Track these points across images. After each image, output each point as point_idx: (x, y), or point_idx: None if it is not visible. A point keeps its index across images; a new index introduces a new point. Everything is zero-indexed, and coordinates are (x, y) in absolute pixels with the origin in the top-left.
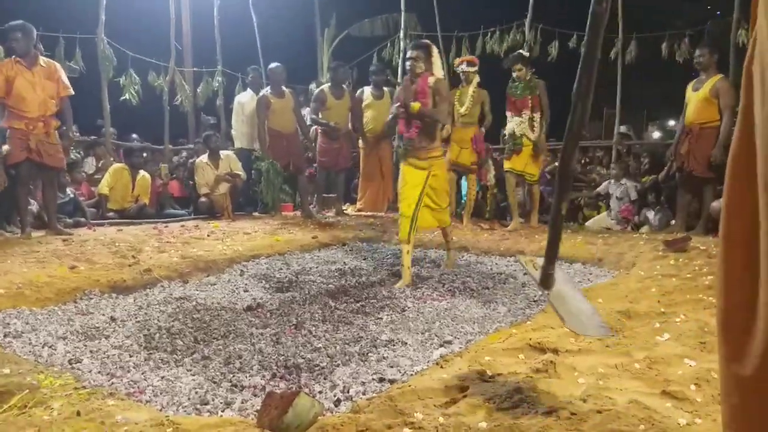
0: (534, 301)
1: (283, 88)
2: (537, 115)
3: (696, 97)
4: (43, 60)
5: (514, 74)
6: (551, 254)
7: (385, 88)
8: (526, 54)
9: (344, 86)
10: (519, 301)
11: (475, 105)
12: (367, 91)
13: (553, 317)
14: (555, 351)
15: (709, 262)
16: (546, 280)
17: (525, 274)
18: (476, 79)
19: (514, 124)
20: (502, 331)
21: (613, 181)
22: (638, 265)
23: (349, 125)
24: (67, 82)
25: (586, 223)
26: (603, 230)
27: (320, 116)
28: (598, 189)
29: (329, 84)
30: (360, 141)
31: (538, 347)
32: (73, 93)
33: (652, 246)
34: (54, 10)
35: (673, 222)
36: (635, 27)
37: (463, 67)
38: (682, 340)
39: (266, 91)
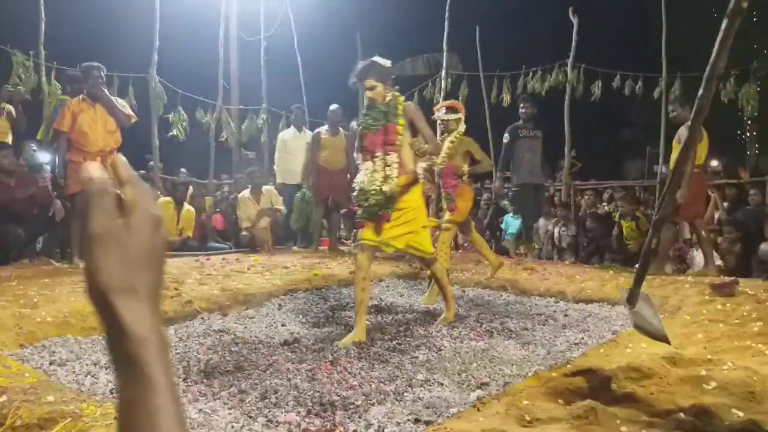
0: (575, 344)
1: (339, 128)
2: (394, 158)
3: (675, 146)
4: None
5: (368, 94)
6: (639, 278)
7: None
8: (385, 62)
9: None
10: (559, 343)
11: (456, 157)
12: None
13: (594, 360)
14: (596, 397)
15: (758, 307)
16: (631, 299)
17: None
18: (460, 127)
19: (364, 174)
20: (542, 374)
21: (666, 221)
22: (684, 309)
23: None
24: (130, 111)
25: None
26: (649, 273)
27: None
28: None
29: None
30: None
31: (578, 392)
32: (136, 118)
33: (699, 289)
34: (109, 51)
35: (719, 263)
36: (680, 66)
37: (441, 114)
38: (730, 389)
39: (322, 128)
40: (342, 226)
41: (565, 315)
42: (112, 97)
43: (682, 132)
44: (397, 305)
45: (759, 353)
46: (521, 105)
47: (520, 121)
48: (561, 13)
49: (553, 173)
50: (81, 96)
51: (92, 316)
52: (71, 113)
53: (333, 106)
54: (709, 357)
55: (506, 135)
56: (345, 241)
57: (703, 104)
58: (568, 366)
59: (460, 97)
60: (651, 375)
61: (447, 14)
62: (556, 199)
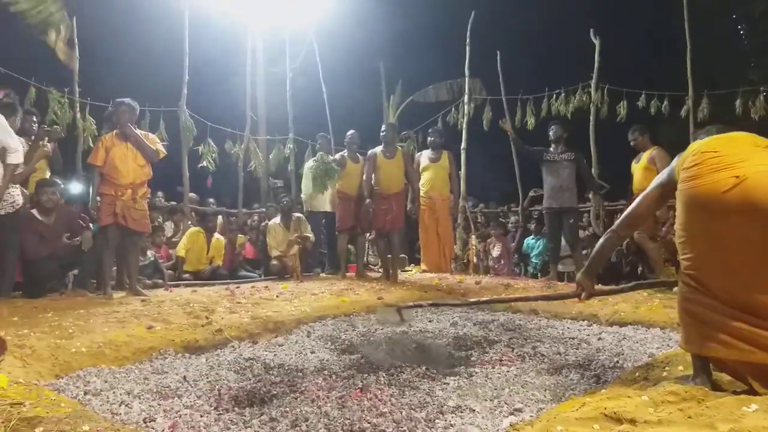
0: (609, 368)
1: (358, 154)
2: None
3: (638, 168)
4: (139, 132)
5: None
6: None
7: (444, 151)
8: None
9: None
10: (593, 367)
11: None
12: (425, 153)
13: (629, 384)
14: (632, 422)
15: None
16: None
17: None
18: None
19: None
20: (575, 400)
21: None
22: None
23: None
24: (160, 147)
25: (675, 288)
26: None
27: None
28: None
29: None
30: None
31: (614, 417)
32: (165, 153)
33: None
34: (141, 85)
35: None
36: (707, 84)
37: None
38: None
39: (344, 153)
40: (370, 251)
41: (599, 338)
42: (143, 132)
43: (657, 155)
44: (426, 331)
45: None
46: (551, 129)
47: (551, 145)
48: (582, 34)
49: (598, 191)
50: (114, 131)
51: (126, 345)
52: (104, 148)
53: (349, 133)
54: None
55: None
56: (372, 267)
57: None
58: (603, 390)
59: (483, 122)
60: (689, 398)
61: (468, 40)
62: (585, 220)
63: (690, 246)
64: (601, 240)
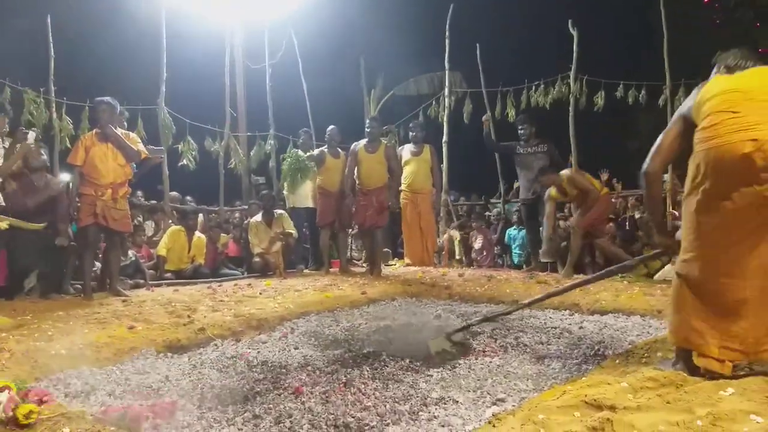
0: (591, 356)
1: (339, 149)
2: None
3: None
4: (120, 131)
5: None
6: None
7: (426, 145)
8: None
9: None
10: (574, 356)
11: None
12: (407, 147)
13: (610, 372)
14: (612, 408)
15: None
16: None
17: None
18: None
19: None
20: (557, 388)
21: None
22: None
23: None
24: (141, 147)
25: (656, 276)
26: (664, 281)
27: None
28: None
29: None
30: (401, 197)
31: (594, 404)
32: (147, 154)
33: None
34: (118, 83)
35: None
36: (684, 73)
37: None
38: (748, 395)
39: (324, 149)
40: (353, 246)
41: (580, 327)
42: (123, 132)
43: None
44: (410, 324)
45: None
46: (518, 126)
47: (521, 140)
48: (560, 26)
49: None
50: (94, 130)
51: (107, 347)
52: (84, 147)
53: (330, 127)
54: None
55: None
56: (356, 261)
57: None
58: (584, 378)
59: (464, 114)
60: (667, 384)
61: (447, 33)
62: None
63: (695, 226)
64: (645, 190)
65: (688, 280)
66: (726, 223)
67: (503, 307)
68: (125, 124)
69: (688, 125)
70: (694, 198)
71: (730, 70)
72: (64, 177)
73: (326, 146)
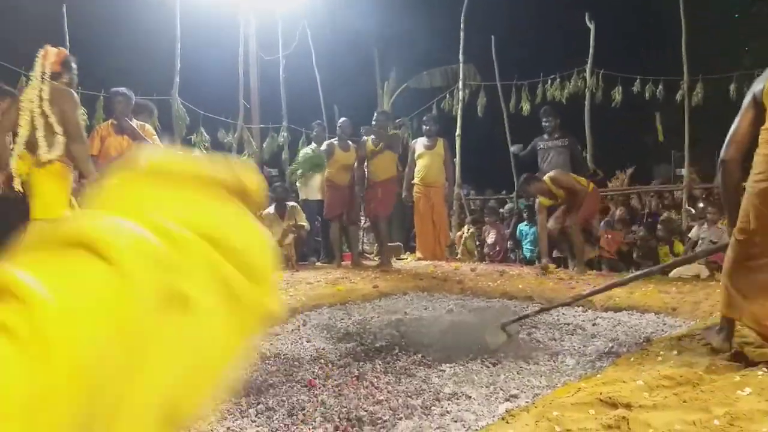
0: (605, 353)
1: (349, 142)
2: None
3: None
4: (136, 123)
5: None
6: None
7: (439, 138)
8: None
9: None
10: (588, 353)
11: None
12: (420, 141)
13: (625, 369)
14: (628, 406)
15: None
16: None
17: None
18: None
19: None
20: (571, 385)
21: (707, 224)
22: (716, 314)
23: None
24: (157, 140)
25: (671, 273)
26: (678, 278)
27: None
28: (690, 234)
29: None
30: (413, 190)
31: (609, 402)
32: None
33: None
34: (132, 74)
35: None
36: (701, 69)
37: None
38: (766, 395)
39: (333, 141)
40: (365, 240)
41: (594, 324)
42: (139, 123)
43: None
44: (422, 318)
45: None
46: (543, 119)
47: (545, 134)
48: (577, 19)
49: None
50: (110, 121)
51: None
52: (99, 137)
53: (341, 119)
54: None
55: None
56: (368, 255)
57: None
58: (599, 376)
59: (478, 107)
60: (684, 383)
61: (462, 26)
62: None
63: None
64: (721, 180)
65: (742, 259)
66: None
67: (516, 302)
68: (155, 119)
69: (760, 110)
70: (760, 186)
71: None
72: None
73: (336, 139)
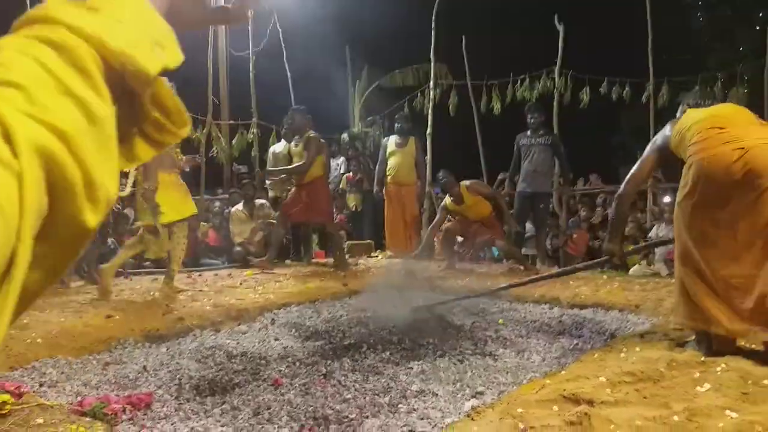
0: (569, 350)
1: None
2: None
3: None
4: None
5: None
6: None
7: (411, 137)
8: None
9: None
10: (554, 350)
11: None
12: (392, 139)
13: (589, 366)
14: (590, 402)
15: None
16: None
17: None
18: None
19: None
20: (536, 382)
21: (664, 224)
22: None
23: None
24: None
25: (631, 272)
26: (641, 276)
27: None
28: (650, 234)
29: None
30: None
31: (572, 398)
32: None
33: None
34: None
35: None
36: (666, 71)
37: None
38: (723, 391)
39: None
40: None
41: (560, 321)
42: None
43: None
44: (391, 316)
45: (752, 353)
46: (528, 115)
47: (528, 130)
48: (546, 20)
49: (570, 178)
50: None
51: (83, 336)
52: None
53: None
54: (702, 359)
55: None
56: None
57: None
58: (563, 372)
59: (450, 107)
60: (645, 378)
61: (433, 25)
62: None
63: (692, 218)
64: (614, 208)
65: (692, 271)
66: (718, 221)
67: (484, 299)
68: None
69: (664, 156)
70: (690, 201)
71: (693, 107)
72: None
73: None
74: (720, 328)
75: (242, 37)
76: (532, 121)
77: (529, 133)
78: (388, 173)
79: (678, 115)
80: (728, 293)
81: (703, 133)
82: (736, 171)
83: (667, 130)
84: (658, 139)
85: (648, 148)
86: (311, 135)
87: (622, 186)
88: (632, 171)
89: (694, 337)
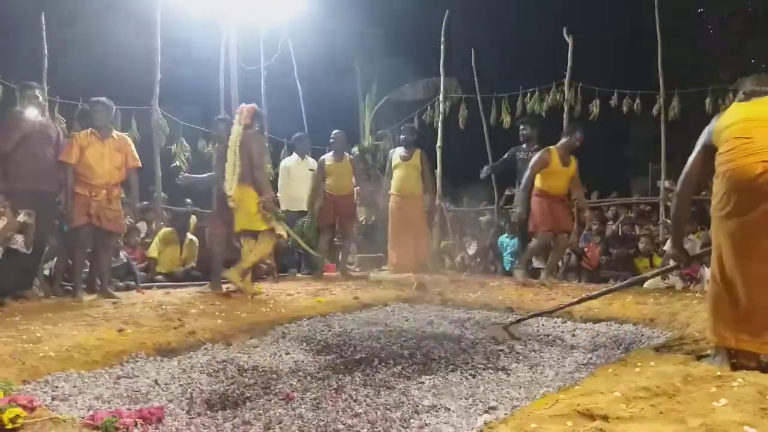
0: (583, 365)
1: (345, 153)
2: None
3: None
4: (116, 133)
5: None
6: None
7: (417, 149)
8: None
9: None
10: (567, 364)
11: None
12: (398, 152)
13: (603, 381)
14: (605, 418)
15: None
16: None
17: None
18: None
19: None
20: (549, 397)
21: None
22: (692, 325)
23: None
24: (136, 155)
25: (646, 284)
26: (655, 289)
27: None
28: (665, 247)
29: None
30: (389, 200)
31: (587, 414)
32: (140, 166)
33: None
34: (111, 83)
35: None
36: (677, 83)
37: None
38: (741, 406)
39: (327, 155)
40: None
41: (573, 335)
42: (121, 135)
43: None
44: (402, 330)
45: None
46: (520, 128)
47: (523, 144)
48: (556, 33)
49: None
50: (90, 129)
51: (95, 349)
52: (78, 146)
53: (335, 132)
54: (719, 373)
55: (507, 154)
56: (348, 266)
57: None
58: (577, 387)
59: (459, 120)
60: (660, 394)
61: (442, 39)
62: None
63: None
64: (673, 209)
65: (720, 285)
66: (748, 234)
67: (496, 313)
68: (134, 131)
69: (710, 152)
70: (720, 212)
71: (747, 96)
72: None
73: (331, 151)
74: (745, 343)
75: (254, 52)
76: (522, 133)
77: (524, 146)
78: (393, 185)
79: (733, 102)
80: (759, 307)
81: (730, 142)
82: (761, 184)
83: (712, 123)
84: (704, 133)
85: (697, 146)
86: None
87: (678, 186)
88: (684, 169)
89: (712, 351)
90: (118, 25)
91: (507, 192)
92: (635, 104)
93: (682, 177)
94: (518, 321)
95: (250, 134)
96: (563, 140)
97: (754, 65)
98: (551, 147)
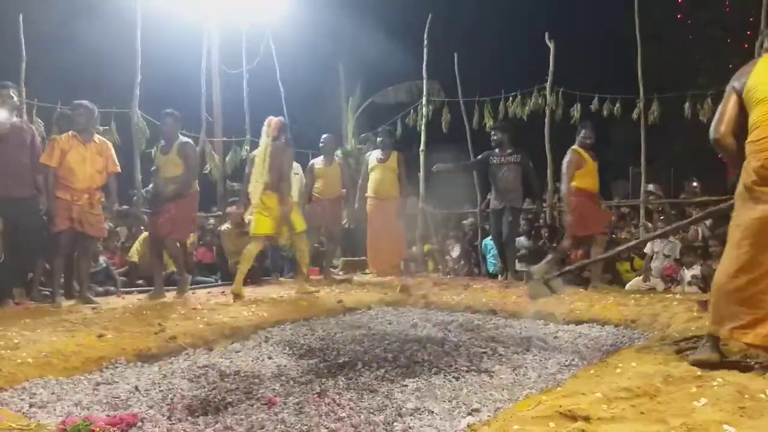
0: (565, 366)
1: (334, 157)
2: None
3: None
4: (97, 137)
5: None
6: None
7: (394, 152)
8: None
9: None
10: (550, 365)
11: None
12: (374, 154)
13: (585, 382)
14: (587, 419)
15: None
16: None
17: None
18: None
19: None
20: (532, 398)
21: (658, 239)
22: (673, 326)
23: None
24: (115, 159)
25: (627, 286)
26: (636, 291)
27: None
28: (645, 249)
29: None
30: (366, 203)
31: (569, 415)
32: (119, 170)
33: (686, 306)
34: (91, 86)
35: None
36: (657, 88)
37: None
38: (720, 405)
39: (317, 159)
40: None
41: (555, 337)
42: (100, 139)
43: None
44: (386, 333)
45: (748, 368)
46: (491, 133)
47: (496, 149)
48: (537, 37)
49: (540, 195)
50: (71, 132)
51: (74, 355)
52: (60, 149)
53: (325, 136)
54: (699, 374)
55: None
56: (332, 269)
57: None
58: (559, 388)
59: (443, 123)
60: (641, 394)
61: (425, 42)
62: (541, 221)
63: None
64: (722, 153)
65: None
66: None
67: (479, 315)
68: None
69: (740, 100)
70: (745, 201)
71: None
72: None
73: (321, 155)
74: (747, 336)
75: (236, 54)
76: (493, 138)
77: (497, 151)
78: (369, 188)
79: (756, 50)
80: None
81: (762, 129)
82: None
83: (746, 71)
84: (735, 80)
85: (727, 89)
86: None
87: (711, 131)
88: (716, 114)
89: (705, 341)
90: (99, 26)
91: (489, 196)
92: (615, 108)
93: (714, 121)
94: (559, 275)
95: (279, 146)
96: (577, 142)
97: (732, 70)
98: (574, 147)
